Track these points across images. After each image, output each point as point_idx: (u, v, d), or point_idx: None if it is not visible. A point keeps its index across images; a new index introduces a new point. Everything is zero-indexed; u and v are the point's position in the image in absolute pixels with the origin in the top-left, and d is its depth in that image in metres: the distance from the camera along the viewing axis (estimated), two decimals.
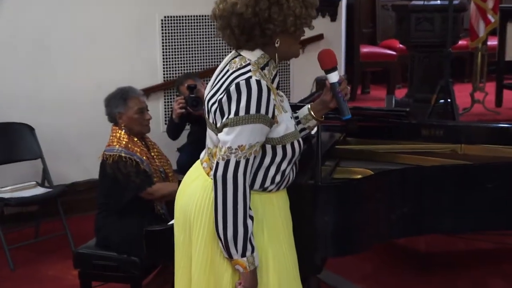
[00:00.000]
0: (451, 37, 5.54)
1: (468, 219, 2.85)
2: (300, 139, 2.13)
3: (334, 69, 2.13)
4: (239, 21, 1.99)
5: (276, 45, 2.03)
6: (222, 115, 1.99)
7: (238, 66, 2.02)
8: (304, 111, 2.28)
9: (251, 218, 2.01)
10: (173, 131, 4.44)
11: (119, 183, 3.32)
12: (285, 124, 2.05)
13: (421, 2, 5.93)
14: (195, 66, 5.31)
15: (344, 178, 2.70)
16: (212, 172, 2.05)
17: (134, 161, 3.33)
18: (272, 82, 2.08)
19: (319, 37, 5.83)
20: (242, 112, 1.94)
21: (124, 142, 3.38)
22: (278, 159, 2.06)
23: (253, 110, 1.93)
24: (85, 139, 4.91)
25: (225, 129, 1.97)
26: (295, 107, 2.35)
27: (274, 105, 1.99)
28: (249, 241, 1.99)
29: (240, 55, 2.06)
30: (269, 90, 1.97)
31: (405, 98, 6.38)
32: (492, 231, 3.93)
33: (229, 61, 2.08)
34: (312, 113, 2.25)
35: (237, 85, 1.96)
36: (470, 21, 6.85)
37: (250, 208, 2.00)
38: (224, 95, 1.98)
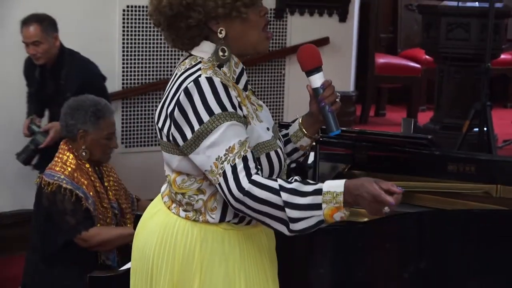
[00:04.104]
0: (491, 49, 5.60)
1: (501, 283, 2.85)
2: (280, 150, 2.13)
3: (317, 70, 2.16)
4: (164, 19, 2.08)
5: (220, 35, 2.07)
6: (181, 132, 2.02)
7: (188, 67, 2.08)
8: (295, 126, 2.31)
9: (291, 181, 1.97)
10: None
11: (53, 220, 3.32)
12: (257, 132, 2.07)
13: (455, 3, 5.95)
14: (164, 72, 5.33)
15: (346, 221, 2.71)
16: (173, 205, 2.12)
17: (75, 196, 3.31)
18: (237, 82, 2.12)
19: (324, 41, 5.89)
20: (205, 117, 1.97)
21: (69, 169, 3.37)
22: None
23: (216, 109, 1.97)
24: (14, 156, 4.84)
25: (200, 147, 1.99)
26: (284, 126, 2.36)
27: (240, 102, 2.03)
28: (313, 193, 1.98)
29: (191, 55, 2.13)
30: (225, 85, 2.01)
31: (430, 124, 6.43)
32: None
33: (179, 64, 2.15)
34: (303, 128, 2.28)
35: (186, 90, 2.01)
36: None
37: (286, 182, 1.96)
38: (175, 107, 2.02)
